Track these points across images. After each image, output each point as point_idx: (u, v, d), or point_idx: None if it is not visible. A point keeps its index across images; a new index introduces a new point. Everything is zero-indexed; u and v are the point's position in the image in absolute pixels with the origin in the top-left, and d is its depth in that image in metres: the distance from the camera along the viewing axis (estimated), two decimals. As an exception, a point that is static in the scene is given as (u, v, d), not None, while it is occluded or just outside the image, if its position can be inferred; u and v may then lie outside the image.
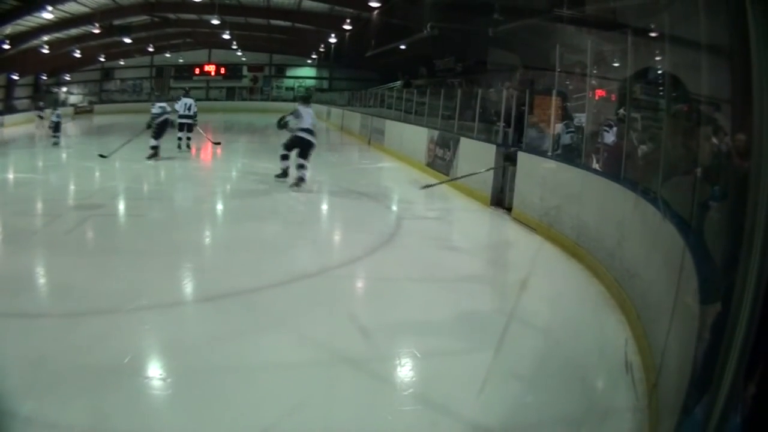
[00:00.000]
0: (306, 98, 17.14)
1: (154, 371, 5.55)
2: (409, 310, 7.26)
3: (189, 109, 21.83)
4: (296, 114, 15.14)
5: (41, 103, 37.40)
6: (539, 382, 5.59)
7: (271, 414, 4.70)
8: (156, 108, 19.82)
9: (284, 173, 15.75)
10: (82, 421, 4.54)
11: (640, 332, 6.00)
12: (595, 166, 9.91)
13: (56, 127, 25.90)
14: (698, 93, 6.03)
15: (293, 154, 15.36)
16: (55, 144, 25.23)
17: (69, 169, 20.10)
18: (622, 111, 10.04)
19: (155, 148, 19.52)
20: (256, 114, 55.60)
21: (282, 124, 15.45)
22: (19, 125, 36.08)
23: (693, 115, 6.56)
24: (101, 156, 19.16)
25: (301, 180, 14.97)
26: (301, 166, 14.96)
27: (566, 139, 11.65)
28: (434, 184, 15.28)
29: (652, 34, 9.10)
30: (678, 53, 7.28)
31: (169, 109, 20.42)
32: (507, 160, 13.32)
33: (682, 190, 5.87)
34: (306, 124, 15.15)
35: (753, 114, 1.87)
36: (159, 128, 19.60)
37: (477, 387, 5.22)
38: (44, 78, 54.43)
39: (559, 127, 11.85)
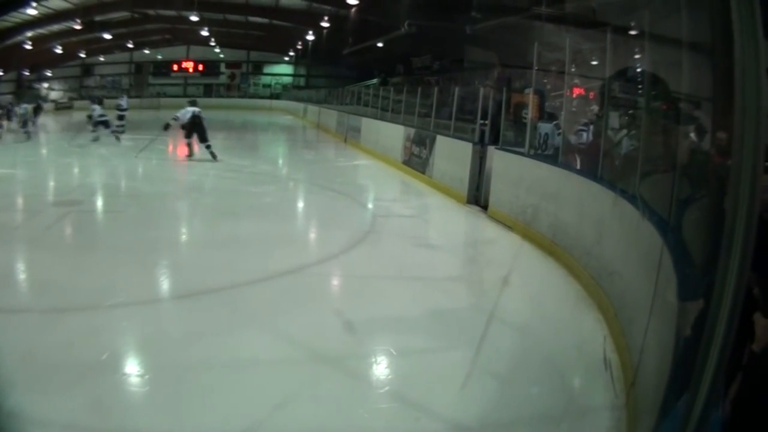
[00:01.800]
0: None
1: (133, 368, 5.51)
2: (386, 308, 7.22)
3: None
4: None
5: None
6: (517, 380, 5.58)
7: (248, 412, 4.65)
8: (22, 109, 28.80)
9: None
10: (62, 417, 4.52)
11: (618, 331, 6.01)
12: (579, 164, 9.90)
13: None
14: (678, 91, 6.02)
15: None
16: None
17: None
18: (595, 108, 10.04)
19: (27, 132, 27.29)
20: (234, 111, 55.56)
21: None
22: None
23: (672, 113, 6.56)
24: None
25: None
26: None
27: (559, 140, 11.42)
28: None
29: (632, 32, 9.10)
30: (658, 51, 7.28)
31: (29, 109, 28.98)
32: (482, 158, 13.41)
33: (660, 188, 5.87)
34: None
35: (734, 111, 1.85)
36: (24, 122, 27.90)
37: (454, 385, 5.21)
38: (26, 74, 54.21)
39: (548, 127, 11.72)
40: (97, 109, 24.60)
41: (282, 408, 4.78)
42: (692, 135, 5.48)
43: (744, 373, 3.98)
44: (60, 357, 5.44)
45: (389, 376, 5.54)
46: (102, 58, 61.60)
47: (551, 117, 11.92)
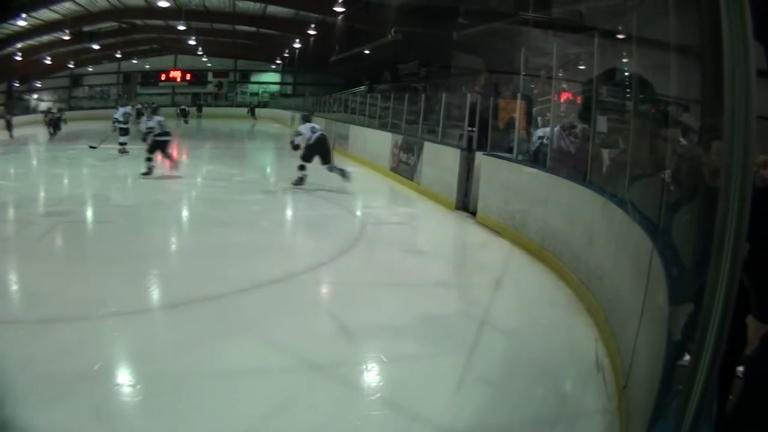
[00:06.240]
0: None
1: (125, 378, 5.47)
2: (376, 315, 7.20)
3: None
4: None
5: None
6: (509, 385, 5.57)
7: (240, 421, 4.64)
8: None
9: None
10: (56, 427, 4.49)
11: (609, 334, 6.01)
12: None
13: None
14: (666, 94, 6.03)
15: None
16: None
17: None
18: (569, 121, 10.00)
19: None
20: (221, 120, 55.56)
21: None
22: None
23: (660, 116, 6.56)
24: None
25: None
26: None
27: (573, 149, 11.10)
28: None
29: (620, 36, 9.10)
30: (646, 54, 7.29)
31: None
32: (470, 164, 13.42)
33: (650, 191, 5.87)
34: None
35: (723, 114, 1.85)
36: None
37: (446, 391, 5.21)
38: (16, 85, 54.11)
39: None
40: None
41: (274, 415, 4.76)
42: (681, 138, 5.48)
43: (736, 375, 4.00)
44: (53, 367, 5.40)
45: (381, 383, 5.51)
46: (91, 69, 61.57)
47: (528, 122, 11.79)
